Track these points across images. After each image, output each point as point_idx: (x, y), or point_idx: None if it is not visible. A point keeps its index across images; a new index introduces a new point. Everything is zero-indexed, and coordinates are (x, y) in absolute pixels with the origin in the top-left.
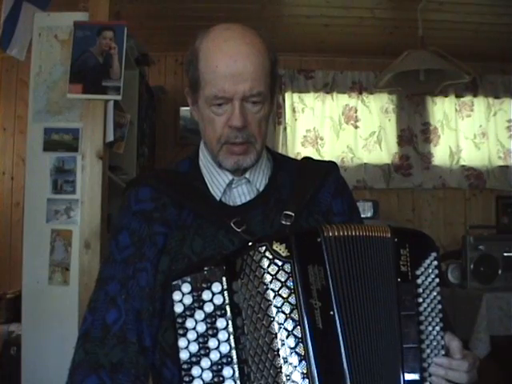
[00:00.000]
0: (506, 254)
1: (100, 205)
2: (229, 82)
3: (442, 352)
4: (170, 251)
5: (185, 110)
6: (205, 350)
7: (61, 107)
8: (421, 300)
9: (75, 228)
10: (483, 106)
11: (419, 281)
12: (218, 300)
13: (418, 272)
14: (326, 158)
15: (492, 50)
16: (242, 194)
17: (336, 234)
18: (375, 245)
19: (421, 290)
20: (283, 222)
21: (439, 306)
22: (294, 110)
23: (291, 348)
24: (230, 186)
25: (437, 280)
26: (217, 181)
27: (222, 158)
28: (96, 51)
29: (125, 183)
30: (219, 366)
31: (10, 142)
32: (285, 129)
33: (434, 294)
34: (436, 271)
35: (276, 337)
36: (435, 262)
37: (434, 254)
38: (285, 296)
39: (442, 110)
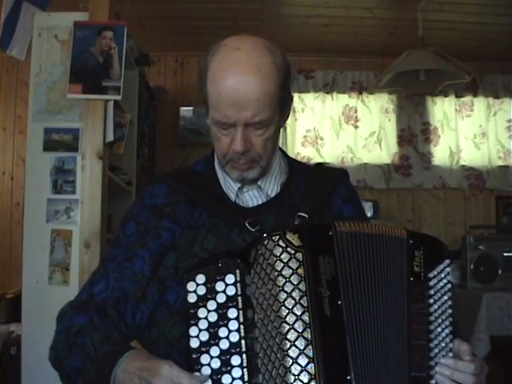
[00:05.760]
0: (505, 254)
1: (100, 205)
2: (231, 109)
3: (450, 354)
4: (178, 249)
5: (185, 110)
6: (215, 339)
7: (61, 107)
8: (432, 301)
9: (75, 228)
10: (483, 105)
11: (431, 283)
12: (231, 291)
13: (431, 275)
14: (326, 158)
15: (492, 50)
16: (253, 198)
17: (348, 229)
18: (389, 243)
19: (432, 292)
20: (296, 223)
21: (449, 311)
22: (293, 110)
23: (299, 332)
24: (242, 189)
25: (449, 285)
26: (229, 184)
27: (228, 171)
28: (96, 51)
29: (125, 183)
30: (228, 355)
31: (10, 142)
32: (285, 129)
33: (445, 298)
34: (448, 277)
35: (284, 321)
36: (448, 269)
37: (447, 261)
38: (295, 283)
39: (442, 110)
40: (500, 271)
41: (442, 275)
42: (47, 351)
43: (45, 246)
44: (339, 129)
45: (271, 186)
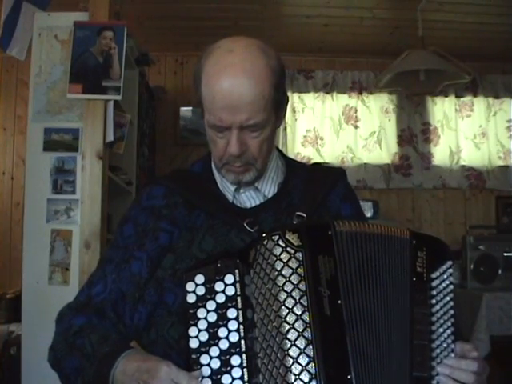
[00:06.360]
0: (505, 254)
1: (100, 205)
2: (226, 112)
3: (452, 355)
4: (176, 250)
5: (185, 110)
6: (214, 340)
7: (61, 107)
8: (434, 302)
9: (75, 228)
10: (483, 105)
11: (434, 284)
12: (230, 291)
13: (434, 276)
14: (326, 158)
15: (492, 50)
16: (250, 198)
17: (348, 229)
18: (391, 243)
19: (435, 293)
20: (295, 223)
21: (451, 312)
22: (293, 110)
23: (299, 332)
24: (238, 191)
25: (451, 287)
26: (226, 185)
27: (224, 174)
28: (96, 51)
29: (125, 183)
30: (228, 356)
31: (10, 142)
32: (285, 129)
33: (448, 298)
34: (451, 278)
35: (285, 321)
36: (450, 270)
37: (450, 262)
38: (295, 282)
39: (442, 110)
40: (500, 271)
41: (445, 276)
42: (47, 351)
43: (45, 246)
44: (339, 129)
45: (268, 187)
